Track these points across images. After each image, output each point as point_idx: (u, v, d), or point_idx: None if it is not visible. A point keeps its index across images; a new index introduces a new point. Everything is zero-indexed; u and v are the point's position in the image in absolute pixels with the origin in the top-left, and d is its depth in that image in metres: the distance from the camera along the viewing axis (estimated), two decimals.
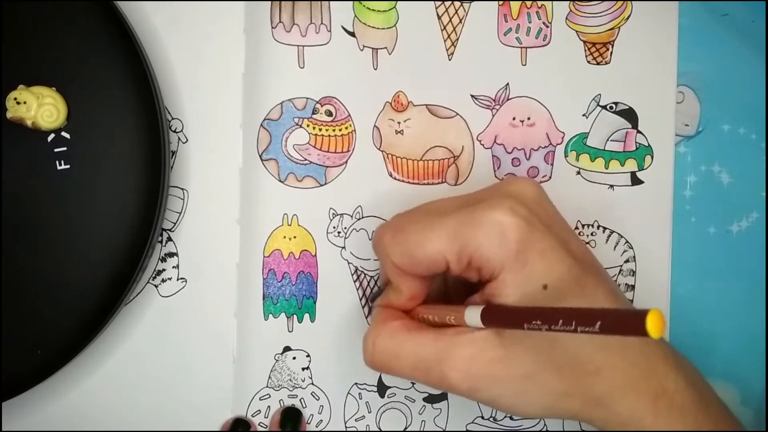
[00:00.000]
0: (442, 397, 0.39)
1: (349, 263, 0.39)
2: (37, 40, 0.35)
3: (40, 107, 0.34)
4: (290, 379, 0.39)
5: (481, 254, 0.29)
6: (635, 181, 0.40)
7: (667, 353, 0.32)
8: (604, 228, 0.40)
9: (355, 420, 0.39)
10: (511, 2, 0.39)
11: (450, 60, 0.39)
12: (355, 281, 0.39)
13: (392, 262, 0.32)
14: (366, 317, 0.39)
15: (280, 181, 0.39)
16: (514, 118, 0.40)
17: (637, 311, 0.22)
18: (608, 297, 0.31)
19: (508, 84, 0.39)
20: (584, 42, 0.40)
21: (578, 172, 0.40)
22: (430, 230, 0.30)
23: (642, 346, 0.31)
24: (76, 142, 0.35)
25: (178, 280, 0.38)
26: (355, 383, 0.39)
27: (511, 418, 0.40)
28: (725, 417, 0.32)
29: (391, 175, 0.39)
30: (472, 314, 0.29)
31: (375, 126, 0.39)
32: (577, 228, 0.39)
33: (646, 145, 0.40)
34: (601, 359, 0.30)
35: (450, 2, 0.39)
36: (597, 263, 0.33)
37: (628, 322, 0.22)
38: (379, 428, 0.39)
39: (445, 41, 0.39)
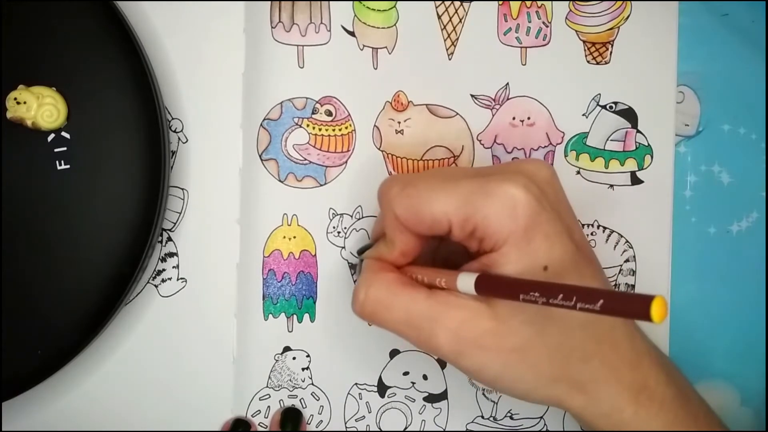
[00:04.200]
0: (442, 396, 0.39)
1: (349, 263, 0.39)
2: (37, 40, 0.35)
3: (40, 107, 0.34)
4: (290, 380, 0.39)
5: (488, 225, 0.29)
6: (635, 180, 0.40)
7: (651, 350, 0.32)
8: (604, 228, 0.40)
9: (355, 420, 0.39)
10: (510, 2, 0.39)
11: (450, 59, 0.39)
12: (355, 281, 0.39)
13: (395, 214, 0.31)
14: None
15: (279, 181, 0.39)
16: (514, 118, 0.40)
17: (642, 295, 0.22)
18: (603, 287, 0.31)
19: (508, 84, 0.39)
20: (584, 42, 0.40)
21: (578, 172, 0.40)
22: (441, 191, 0.30)
23: (631, 340, 0.31)
24: (76, 142, 0.35)
25: (178, 280, 0.38)
26: (355, 383, 0.39)
27: (511, 418, 0.40)
28: (705, 414, 0.33)
29: (391, 175, 0.39)
30: (465, 280, 0.29)
31: (375, 126, 0.39)
32: None
33: (646, 144, 0.40)
34: (591, 348, 0.30)
35: (450, 2, 0.39)
36: (594, 255, 0.33)
37: (632, 304, 0.22)
38: (379, 428, 0.39)
39: (445, 41, 0.39)
